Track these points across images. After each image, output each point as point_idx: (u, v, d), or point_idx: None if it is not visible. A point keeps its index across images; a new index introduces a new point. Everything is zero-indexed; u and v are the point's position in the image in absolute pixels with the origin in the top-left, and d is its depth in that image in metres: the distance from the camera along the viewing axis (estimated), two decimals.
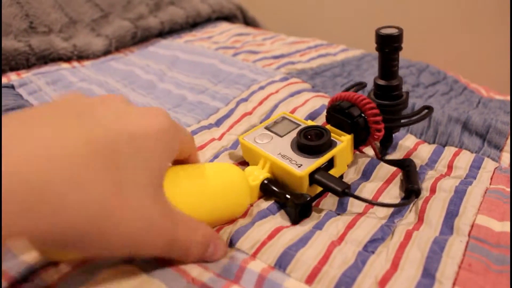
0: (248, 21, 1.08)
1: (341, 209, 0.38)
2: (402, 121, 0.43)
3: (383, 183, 0.41)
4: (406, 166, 0.42)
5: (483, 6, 0.99)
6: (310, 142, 0.38)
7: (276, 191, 0.37)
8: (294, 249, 0.31)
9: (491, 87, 0.71)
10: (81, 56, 0.75)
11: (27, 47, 0.69)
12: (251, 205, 0.38)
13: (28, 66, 0.70)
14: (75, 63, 0.72)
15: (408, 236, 0.33)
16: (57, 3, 0.81)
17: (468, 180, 0.41)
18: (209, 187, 0.33)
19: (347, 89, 0.47)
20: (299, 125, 0.43)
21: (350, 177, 0.42)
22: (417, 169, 0.43)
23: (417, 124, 0.51)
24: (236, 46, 0.76)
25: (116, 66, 0.71)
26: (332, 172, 0.40)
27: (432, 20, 1.08)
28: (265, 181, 0.38)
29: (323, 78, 0.64)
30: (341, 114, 0.41)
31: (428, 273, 0.30)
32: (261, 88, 0.57)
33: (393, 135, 0.49)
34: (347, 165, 0.42)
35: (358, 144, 0.42)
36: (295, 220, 0.36)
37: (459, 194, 0.38)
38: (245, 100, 0.55)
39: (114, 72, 0.68)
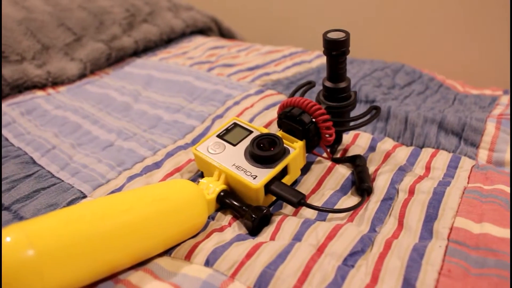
0: (224, 32, 1.08)
1: (320, 216, 0.38)
2: (351, 123, 0.44)
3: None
4: (357, 165, 0.43)
5: (462, 5, 1.00)
6: (264, 152, 0.39)
7: (233, 203, 0.38)
8: (273, 267, 0.31)
9: (467, 81, 0.72)
10: (55, 82, 0.73)
11: None
12: (209, 217, 0.38)
13: (2, 96, 0.68)
14: (50, 90, 0.71)
15: (388, 245, 0.33)
16: (29, 30, 0.80)
17: (446, 181, 0.41)
18: (166, 207, 0.33)
19: (296, 90, 0.47)
20: (251, 131, 0.43)
21: None
22: (395, 170, 0.43)
23: (393, 127, 0.51)
24: (211, 60, 0.76)
25: (91, 89, 0.70)
26: (286, 178, 0.40)
27: (408, 22, 1.09)
28: (222, 193, 0.38)
29: None
30: (292, 121, 0.41)
31: (409, 283, 0.29)
32: (236, 103, 0.57)
33: (372, 137, 0.49)
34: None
35: (310, 148, 0.42)
36: (253, 232, 0.36)
37: (437, 196, 0.38)
38: (220, 116, 0.55)
39: (89, 96, 0.67)
